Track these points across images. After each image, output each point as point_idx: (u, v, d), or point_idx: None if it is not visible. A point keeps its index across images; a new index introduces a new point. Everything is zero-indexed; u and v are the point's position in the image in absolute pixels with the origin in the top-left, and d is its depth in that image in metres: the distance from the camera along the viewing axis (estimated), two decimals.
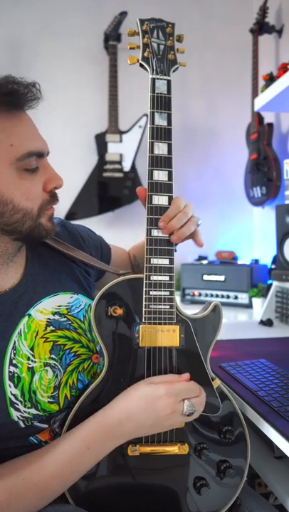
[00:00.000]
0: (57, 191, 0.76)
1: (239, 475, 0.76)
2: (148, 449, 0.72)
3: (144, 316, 0.73)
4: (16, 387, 0.69)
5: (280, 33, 2.11)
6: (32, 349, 0.73)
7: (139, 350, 0.73)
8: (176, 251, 0.78)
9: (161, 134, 0.77)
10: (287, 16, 2.07)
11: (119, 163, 2.23)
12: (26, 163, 0.68)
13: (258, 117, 2.11)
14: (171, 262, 0.75)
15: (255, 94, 2.12)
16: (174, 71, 0.79)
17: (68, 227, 0.92)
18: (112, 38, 2.22)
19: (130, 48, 0.79)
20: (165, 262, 0.75)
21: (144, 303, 0.73)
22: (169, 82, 0.78)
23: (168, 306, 0.74)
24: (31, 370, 0.72)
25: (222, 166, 2.49)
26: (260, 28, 2.10)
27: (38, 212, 0.72)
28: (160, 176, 0.76)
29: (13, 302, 0.74)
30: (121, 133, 2.23)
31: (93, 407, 0.70)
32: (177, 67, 0.80)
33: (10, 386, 0.69)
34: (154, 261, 0.74)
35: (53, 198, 0.74)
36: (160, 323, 0.74)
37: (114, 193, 2.24)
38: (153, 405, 0.67)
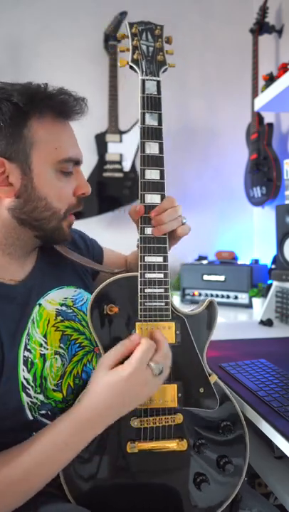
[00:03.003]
0: None
1: (239, 469, 0.77)
2: (147, 446, 0.72)
3: (139, 313, 0.74)
4: (28, 371, 0.72)
5: (280, 33, 2.11)
6: (45, 336, 0.76)
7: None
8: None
9: (152, 133, 0.78)
10: (287, 16, 2.07)
11: (119, 163, 2.23)
12: (64, 166, 0.74)
13: (258, 117, 2.11)
14: (165, 259, 0.76)
15: (255, 94, 2.12)
16: (163, 72, 0.81)
17: None
18: (112, 38, 2.22)
19: (121, 51, 0.82)
20: (159, 259, 0.76)
21: (139, 300, 0.74)
22: (158, 82, 0.80)
23: (163, 304, 0.75)
24: (43, 357, 0.74)
25: (222, 166, 2.49)
26: (260, 28, 2.10)
27: (64, 215, 0.77)
28: (152, 174, 0.77)
29: (28, 291, 0.77)
30: (121, 133, 2.23)
31: None
32: (166, 68, 0.82)
33: (23, 370, 0.71)
34: (148, 259, 0.75)
35: (79, 203, 0.80)
36: (156, 321, 0.74)
37: (114, 193, 2.24)
38: (124, 389, 0.66)
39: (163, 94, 0.80)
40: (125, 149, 2.23)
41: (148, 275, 0.75)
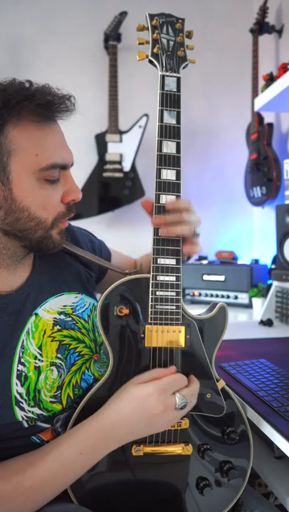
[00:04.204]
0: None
1: (242, 475, 0.76)
2: (152, 449, 0.72)
3: (150, 316, 0.73)
4: (22, 385, 0.70)
5: (280, 33, 2.11)
6: (40, 348, 0.74)
7: (144, 350, 0.73)
8: (187, 260, 0.75)
9: (170, 132, 0.75)
10: (287, 15, 2.07)
11: (119, 163, 2.22)
12: (48, 173, 0.69)
13: (258, 117, 2.11)
14: (178, 262, 0.74)
15: (255, 94, 2.12)
16: (183, 68, 0.77)
17: (69, 227, 0.92)
18: (112, 38, 2.22)
19: (139, 43, 0.77)
20: (172, 262, 0.74)
21: (150, 303, 0.73)
22: (178, 79, 0.76)
23: (174, 307, 0.73)
24: (38, 370, 0.72)
25: (222, 166, 2.49)
26: (260, 28, 2.10)
27: (52, 224, 0.72)
28: (168, 174, 0.74)
29: (22, 301, 0.74)
30: (121, 133, 2.23)
31: (97, 408, 0.69)
32: (187, 64, 0.78)
33: (17, 385, 0.69)
34: (161, 261, 0.73)
35: (69, 210, 0.75)
36: (166, 324, 0.73)
37: (114, 193, 2.24)
38: (144, 405, 0.66)
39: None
40: (125, 149, 2.23)
41: (160, 277, 0.73)
